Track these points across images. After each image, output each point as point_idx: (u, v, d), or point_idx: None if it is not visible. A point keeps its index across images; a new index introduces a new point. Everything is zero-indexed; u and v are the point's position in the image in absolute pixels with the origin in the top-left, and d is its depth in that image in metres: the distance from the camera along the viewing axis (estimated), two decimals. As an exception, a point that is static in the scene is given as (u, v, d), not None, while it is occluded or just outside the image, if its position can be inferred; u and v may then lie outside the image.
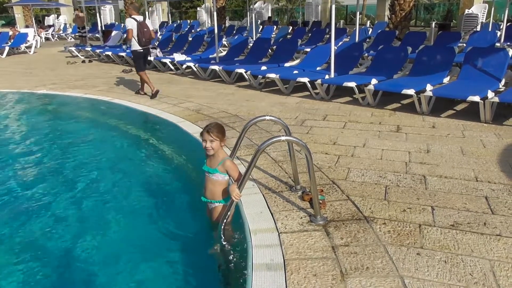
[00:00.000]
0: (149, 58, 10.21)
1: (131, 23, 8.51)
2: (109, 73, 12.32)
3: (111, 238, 3.74)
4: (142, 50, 8.74)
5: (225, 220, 3.24)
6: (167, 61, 11.92)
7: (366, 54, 10.86)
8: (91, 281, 3.18)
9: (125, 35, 8.33)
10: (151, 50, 12.38)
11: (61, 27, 31.26)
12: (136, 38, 8.52)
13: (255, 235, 3.20)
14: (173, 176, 5.15)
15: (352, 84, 7.27)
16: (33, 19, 26.71)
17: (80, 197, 4.57)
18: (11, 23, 32.86)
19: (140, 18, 8.61)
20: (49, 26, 31.37)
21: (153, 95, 8.49)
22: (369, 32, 16.22)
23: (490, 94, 6.18)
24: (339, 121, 6.34)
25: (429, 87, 6.73)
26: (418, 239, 3.08)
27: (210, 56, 12.34)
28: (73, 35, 27.70)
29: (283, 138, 3.27)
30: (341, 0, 40.10)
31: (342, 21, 23.00)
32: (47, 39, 28.20)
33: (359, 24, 12.57)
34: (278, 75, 8.37)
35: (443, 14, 30.53)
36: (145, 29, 8.53)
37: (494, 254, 2.88)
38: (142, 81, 8.95)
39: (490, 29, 13.82)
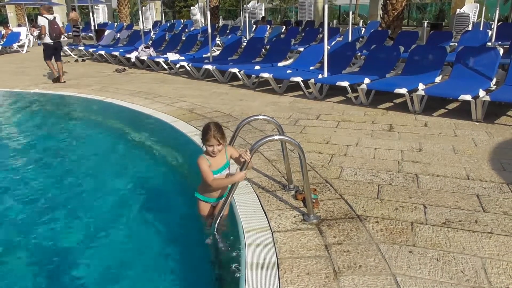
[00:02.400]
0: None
1: (43, 21, 10.13)
2: (102, 72, 12.27)
3: (104, 237, 3.73)
4: (52, 43, 10.44)
5: (219, 218, 3.25)
6: (160, 60, 11.89)
7: (359, 54, 10.89)
8: (83, 279, 3.18)
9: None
10: (143, 49, 12.53)
11: (54, 26, 31.05)
12: (48, 34, 10.21)
13: (249, 234, 3.21)
14: (166, 175, 5.14)
15: (345, 83, 7.29)
16: (26, 18, 26.49)
17: (73, 196, 4.55)
18: (3, 22, 32.61)
19: (51, 17, 10.28)
20: (42, 25, 31.13)
21: (55, 80, 10.51)
22: (362, 32, 16.29)
23: (482, 93, 6.23)
24: (332, 120, 6.36)
25: (421, 86, 6.76)
26: (410, 237, 3.11)
27: (204, 55, 12.32)
28: (66, 34, 27.54)
29: (276, 137, 3.29)
30: (334, -1, 40.25)
31: (335, 21, 23.06)
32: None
33: (352, 24, 12.62)
34: (271, 75, 8.38)
35: (435, 14, 30.74)
36: (55, 26, 10.23)
37: (486, 251, 2.91)
38: (59, 69, 10.62)
39: (481, 29, 13.94)
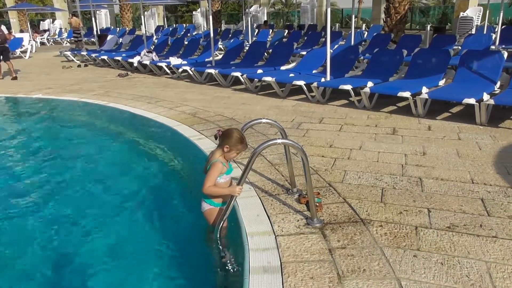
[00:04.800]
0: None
1: None
2: (104, 77, 12.31)
3: (108, 242, 3.72)
4: None
5: (221, 223, 3.23)
6: (163, 65, 11.92)
7: (362, 57, 10.88)
8: (87, 283, 3.17)
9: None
10: (146, 54, 12.60)
11: (57, 32, 31.23)
12: None
13: (252, 238, 3.19)
14: (169, 179, 5.13)
15: (348, 87, 7.28)
16: (28, 23, 26.62)
17: (75, 201, 4.55)
18: (6, 28, 32.82)
19: None
20: (44, 31, 31.32)
21: (13, 78, 12.41)
22: (365, 35, 16.25)
23: (486, 97, 6.20)
24: (335, 124, 6.34)
25: (424, 89, 6.74)
26: (414, 241, 3.08)
27: (206, 59, 12.35)
28: (68, 40, 27.69)
29: (279, 141, 3.27)
30: (336, 2, 40.27)
31: (337, 24, 23.04)
32: (42, 43, 28.12)
33: (355, 27, 12.62)
34: (274, 78, 8.38)
35: (438, 17, 30.72)
36: (0, 33, 13.00)
37: (491, 255, 2.89)
38: (10, 68, 12.71)
39: (485, 32, 13.90)
